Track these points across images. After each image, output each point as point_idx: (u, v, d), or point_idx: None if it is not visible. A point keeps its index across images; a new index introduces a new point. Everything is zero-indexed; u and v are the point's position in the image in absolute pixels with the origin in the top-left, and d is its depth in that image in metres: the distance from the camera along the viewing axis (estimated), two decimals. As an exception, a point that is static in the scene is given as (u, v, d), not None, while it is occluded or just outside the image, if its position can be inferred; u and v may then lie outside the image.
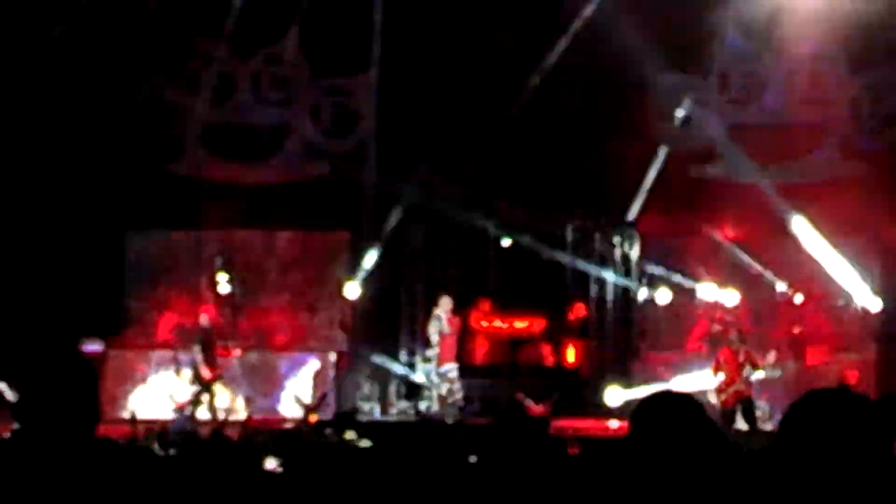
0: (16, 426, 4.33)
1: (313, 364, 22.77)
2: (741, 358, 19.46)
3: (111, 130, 22.33)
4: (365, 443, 14.66)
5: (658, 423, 4.39)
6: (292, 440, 14.43)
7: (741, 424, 19.27)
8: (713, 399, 19.09)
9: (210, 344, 21.12)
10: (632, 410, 4.53)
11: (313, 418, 18.89)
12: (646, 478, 4.33)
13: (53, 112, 21.67)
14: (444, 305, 21.30)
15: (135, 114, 22.75)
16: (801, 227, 22.27)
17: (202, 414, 20.55)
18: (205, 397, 20.83)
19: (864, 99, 23.34)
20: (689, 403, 4.46)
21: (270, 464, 9.78)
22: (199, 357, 20.84)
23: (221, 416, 20.05)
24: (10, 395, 18.69)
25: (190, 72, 23.49)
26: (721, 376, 19.39)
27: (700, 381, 20.31)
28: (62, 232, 21.91)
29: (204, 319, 21.54)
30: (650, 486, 4.31)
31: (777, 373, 20.53)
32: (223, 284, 23.22)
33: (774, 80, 23.57)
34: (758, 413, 19.99)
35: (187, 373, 21.68)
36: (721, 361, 19.57)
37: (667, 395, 4.55)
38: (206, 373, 20.79)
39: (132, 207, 22.65)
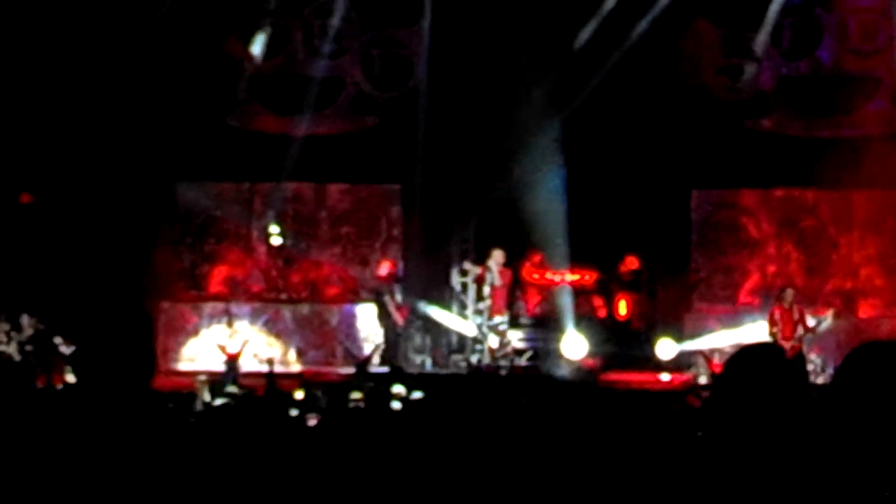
0: (71, 378, 4.37)
1: (365, 316, 22.82)
2: (795, 316, 19.52)
3: (163, 81, 22.33)
4: (416, 394, 14.74)
5: (753, 374, 4.40)
6: (344, 393, 14.52)
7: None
8: None
9: (393, 294, 21.58)
10: (727, 360, 4.55)
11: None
12: (733, 426, 4.35)
13: (104, 63, 21.69)
14: (496, 258, 21.31)
15: (187, 65, 22.74)
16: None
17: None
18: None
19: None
20: (781, 356, 4.48)
21: (312, 420, 9.85)
22: (390, 306, 21.30)
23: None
24: (65, 350, 18.92)
25: (243, 24, 23.50)
26: (776, 331, 19.40)
27: (752, 334, 20.25)
28: (114, 184, 22.02)
29: (385, 269, 21.87)
30: (736, 435, 4.32)
31: (826, 324, 20.40)
32: (275, 237, 23.31)
33: (827, 32, 23.32)
34: (809, 367, 19.97)
35: (240, 324, 21.92)
36: (776, 317, 19.58)
37: (762, 346, 4.56)
38: (397, 318, 21.32)
39: (184, 159, 22.71)
